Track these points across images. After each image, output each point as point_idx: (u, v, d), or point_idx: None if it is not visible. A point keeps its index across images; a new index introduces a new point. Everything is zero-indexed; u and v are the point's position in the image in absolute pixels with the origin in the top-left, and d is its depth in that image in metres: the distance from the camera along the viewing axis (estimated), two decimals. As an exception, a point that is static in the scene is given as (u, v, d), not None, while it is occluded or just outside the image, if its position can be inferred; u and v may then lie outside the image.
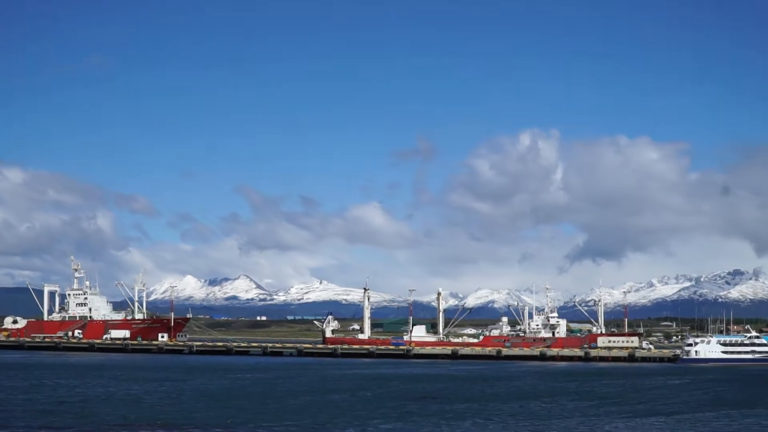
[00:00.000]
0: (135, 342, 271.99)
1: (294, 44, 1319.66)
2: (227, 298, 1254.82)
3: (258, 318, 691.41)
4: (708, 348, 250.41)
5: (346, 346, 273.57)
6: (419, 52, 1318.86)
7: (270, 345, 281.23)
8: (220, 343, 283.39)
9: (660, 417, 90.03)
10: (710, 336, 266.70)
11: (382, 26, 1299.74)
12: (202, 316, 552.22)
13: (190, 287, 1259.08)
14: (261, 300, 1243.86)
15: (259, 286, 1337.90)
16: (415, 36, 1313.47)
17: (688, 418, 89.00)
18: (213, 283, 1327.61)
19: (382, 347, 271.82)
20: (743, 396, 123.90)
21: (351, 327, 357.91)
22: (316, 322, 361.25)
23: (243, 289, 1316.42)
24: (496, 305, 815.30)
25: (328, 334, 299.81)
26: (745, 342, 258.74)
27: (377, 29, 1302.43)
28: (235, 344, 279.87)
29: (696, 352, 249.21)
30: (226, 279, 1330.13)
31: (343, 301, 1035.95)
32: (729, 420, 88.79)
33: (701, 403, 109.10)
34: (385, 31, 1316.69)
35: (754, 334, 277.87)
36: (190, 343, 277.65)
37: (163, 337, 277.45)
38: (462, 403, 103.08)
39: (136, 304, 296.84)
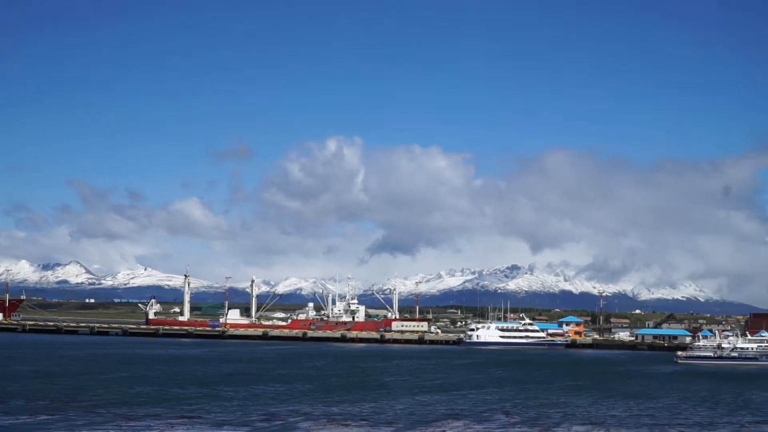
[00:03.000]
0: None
1: (124, 47, 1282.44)
2: (59, 282, 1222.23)
3: (87, 300, 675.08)
4: (488, 333, 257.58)
5: (167, 327, 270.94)
6: (240, 63, 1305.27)
7: (97, 325, 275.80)
8: (51, 323, 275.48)
9: (442, 392, 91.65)
10: (490, 322, 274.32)
11: (202, 34, 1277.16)
12: (35, 298, 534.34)
13: (24, 271, 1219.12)
14: (90, 284, 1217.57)
15: (88, 271, 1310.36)
16: (233, 46, 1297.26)
17: (467, 393, 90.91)
18: (46, 267, 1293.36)
19: (200, 328, 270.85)
20: (520, 374, 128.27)
21: (172, 310, 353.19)
22: (140, 305, 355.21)
23: (74, 274, 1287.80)
24: (303, 292, 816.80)
25: (151, 316, 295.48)
26: (519, 328, 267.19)
27: (196, 37, 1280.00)
28: (65, 324, 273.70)
29: (477, 336, 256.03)
30: (58, 264, 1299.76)
31: (166, 287, 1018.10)
32: (503, 394, 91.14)
33: (482, 382, 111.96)
34: (205, 39, 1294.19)
35: (527, 321, 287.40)
36: (23, 322, 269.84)
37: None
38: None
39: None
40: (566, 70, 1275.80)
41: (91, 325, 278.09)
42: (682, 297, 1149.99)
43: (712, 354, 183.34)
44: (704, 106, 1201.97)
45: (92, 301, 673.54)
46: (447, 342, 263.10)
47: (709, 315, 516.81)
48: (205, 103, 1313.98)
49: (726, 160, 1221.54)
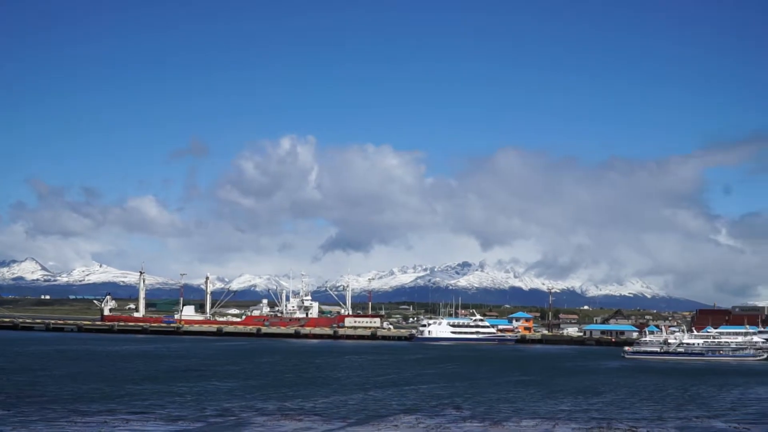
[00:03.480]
0: None
1: (81, 48, 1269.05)
2: (14, 279, 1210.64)
3: (42, 297, 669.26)
4: (439, 328, 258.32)
5: (122, 323, 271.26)
6: (197, 64, 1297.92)
7: (53, 321, 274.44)
8: (7, 319, 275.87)
9: (394, 387, 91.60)
10: (441, 318, 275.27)
11: (159, 37, 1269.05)
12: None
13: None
14: (46, 281, 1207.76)
15: (44, 268, 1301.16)
16: (190, 49, 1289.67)
17: (418, 388, 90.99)
18: (1, 264, 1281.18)
19: (155, 324, 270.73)
20: (470, 369, 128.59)
21: (128, 306, 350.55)
22: (95, 301, 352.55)
23: (29, 271, 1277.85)
24: (257, 289, 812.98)
25: (107, 312, 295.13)
26: (470, 324, 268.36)
27: (153, 39, 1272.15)
28: (20, 321, 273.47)
29: (429, 332, 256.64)
30: (14, 261, 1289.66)
31: (121, 283, 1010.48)
32: (454, 389, 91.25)
33: (433, 377, 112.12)
34: (162, 41, 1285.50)
35: (478, 317, 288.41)
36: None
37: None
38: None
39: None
40: (517, 71, 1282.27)
41: (47, 321, 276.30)
42: (630, 293, 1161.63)
43: (658, 349, 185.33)
44: (652, 107, 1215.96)
45: (48, 297, 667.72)
46: (399, 338, 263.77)
47: (655, 311, 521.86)
48: (161, 102, 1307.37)
49: (672, 159, 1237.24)
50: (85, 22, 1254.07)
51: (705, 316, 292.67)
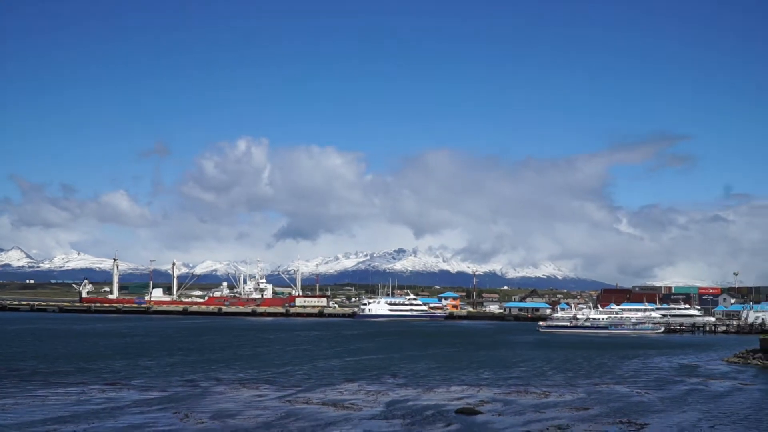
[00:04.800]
0: None
1: (56, 50, 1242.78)
2: (2, 266, 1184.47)
3: (27, 281, 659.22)
4: (378, 307, 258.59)
5: (98, 304, 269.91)
6: (160, 71, 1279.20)
7: (36, 303, 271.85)
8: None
9: (338, 359, 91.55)
10: (380, 298, 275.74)
11: (129, 41, 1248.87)
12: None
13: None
14: (30, 267, 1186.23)
15: (28, 256, 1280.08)
16: (155, 55, 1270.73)
17: (359, 359, 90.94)
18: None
19: (128, 305, 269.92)
20: (405, 342, 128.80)
21: (103, 289, 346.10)
22: (74, 285, 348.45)
23: (15, 259, 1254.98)
24: (218, 273, 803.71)
25: (84, 295, 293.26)
26: (405, 302, 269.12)
27: (123, 43, 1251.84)
28: (8, 302, 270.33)
29: (369, 309, 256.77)
30: (2, 250, 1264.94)
31: (97, 269, 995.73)
32: (391, 360, 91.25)
33: (373, 349, 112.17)
34: (130, 47, 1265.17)
35: (412, 296, 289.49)
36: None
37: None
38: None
39: None
40: (444, 78, 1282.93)
41: (31, 303, 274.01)
42: (543, 275, 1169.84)
43: (568, 324, 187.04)
44: (563, 112, 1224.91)
45: (32, 282, 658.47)
46: (343, 315, 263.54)
47: (566, 290, 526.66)
48: (130, 106, 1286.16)
49: (580, 158, 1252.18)
50: (61, 23, 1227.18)
51: (609, 295, 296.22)
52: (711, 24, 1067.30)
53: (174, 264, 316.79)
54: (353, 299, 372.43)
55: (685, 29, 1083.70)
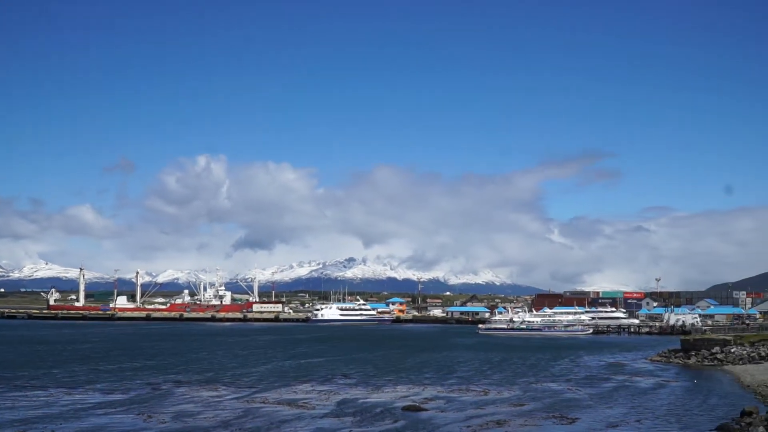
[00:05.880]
0: None
1: (25, 63, 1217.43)
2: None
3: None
4: (330, 312, 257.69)
5: (65, 312, 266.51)
6: (122, 91, 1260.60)
7: (6, 310, 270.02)
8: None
9: (292, 360, 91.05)
10: (332, 303, 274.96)
11: (89, 57, 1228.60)
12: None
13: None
14: (1, 277, 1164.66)
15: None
16: (117, 75, 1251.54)
17: (312, 360, 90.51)
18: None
19: (93, 312, 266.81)
20: (355, 345, 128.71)
21: (70, 297, 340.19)
22: (42, 293, 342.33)
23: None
24: (180, 281, 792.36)
25: (52, 302, 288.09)
26: (355, 308, 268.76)
27: (86, 59, 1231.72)
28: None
29: (322, 314, 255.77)
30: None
31: (64, 278, 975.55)
32: (342, 361, 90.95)
33: (324, 352, 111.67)
34: (92, 62, 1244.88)
35: (362, 302, 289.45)
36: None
37: None
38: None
39: None
40: (391, 102, 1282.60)
41: (2, 310, 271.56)
42: (483, 281, 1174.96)
43: (505, 326, 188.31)
44: (500, 131, 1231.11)
45: (2, 290, 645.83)
46: (297, 320, 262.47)
47: (503, 295, 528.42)
48: (96, 122, 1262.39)
49: (516, 174, 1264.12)
50: (27, 36, 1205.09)
51: (542, 299, 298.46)
52: (632, 54, 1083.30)
53: (138, 273, 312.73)
54: (307, 305, 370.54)
55: (608, 57, 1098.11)
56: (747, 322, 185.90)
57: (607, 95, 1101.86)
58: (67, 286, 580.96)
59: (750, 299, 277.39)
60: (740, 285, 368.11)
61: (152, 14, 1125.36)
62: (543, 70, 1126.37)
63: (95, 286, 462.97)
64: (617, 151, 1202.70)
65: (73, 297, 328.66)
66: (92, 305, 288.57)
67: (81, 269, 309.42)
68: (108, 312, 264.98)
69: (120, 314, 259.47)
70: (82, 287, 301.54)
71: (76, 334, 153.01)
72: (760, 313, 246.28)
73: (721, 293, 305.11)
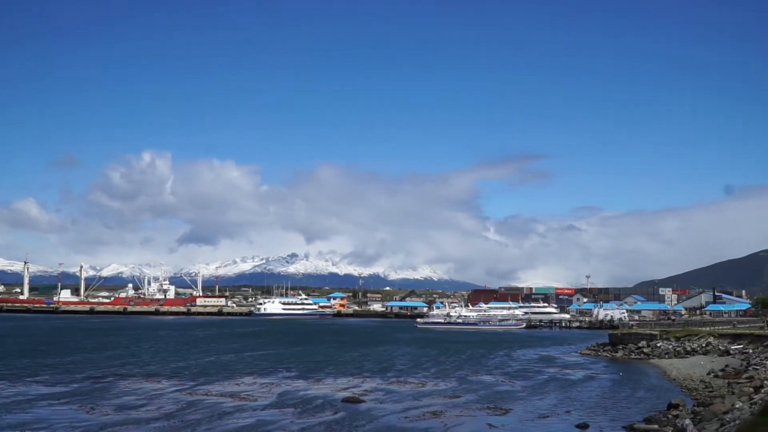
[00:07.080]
0: None
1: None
2: None
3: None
4: (273, 306, 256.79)
5: (9, 304, 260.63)
6: (69, 87, 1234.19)
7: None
8: None
9: (234, 353, 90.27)
10: (275, 298, 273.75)
11: (42, 57, 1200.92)
12: None
13: None
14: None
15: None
16: (65, 70, 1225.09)
17: (254, 353, 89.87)
18: None
19: (37, 305, 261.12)
20: (297, 338, 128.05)
21: (14, 290, 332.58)
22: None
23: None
24: (124, 275, 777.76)
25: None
26: (297, 302, 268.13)
27: (35, 58, 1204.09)
28: None
29: (265, 308, 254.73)
30: None
31: (9, 271, 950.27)
32: (283, 354, 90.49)
33: (266, 345, 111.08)
34: (35, 63, 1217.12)
35: (304, 296, 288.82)
36: None
37: None
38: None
39: None
40: (332, 101, 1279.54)
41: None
42: (421, 277, 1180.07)
43: (443, 321, 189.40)
44: (437, 130, 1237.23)
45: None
46: (241, 314, 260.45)
47: (441, 291, 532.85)
48: (40, 118, 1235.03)
49: (453, 173, 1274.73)
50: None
51: (478, 295, 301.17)
52: (572, 60, 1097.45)
53: (82, 267, 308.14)
54: (250, 299, 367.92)
55: (547, 62, 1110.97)
56: (672, 317, 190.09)
57: (541, 99, 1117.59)
58: (11, 279, 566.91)
59: (675, 296, 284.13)
60: (666, 282, 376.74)
61: (94, 7, 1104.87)
62: (480, 73, 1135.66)
63: (39, 280, 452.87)
64: (549, 153, 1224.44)
65: (18, 290, 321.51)
66: (36, 298, 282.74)
67: (25, 262, 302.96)
68: (52, 305, 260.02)
69: (64, 308, 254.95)
70: (26, 280, 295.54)
71: (18, 327, 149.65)
72: (685, 309, 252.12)
73: (648, 290, 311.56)
